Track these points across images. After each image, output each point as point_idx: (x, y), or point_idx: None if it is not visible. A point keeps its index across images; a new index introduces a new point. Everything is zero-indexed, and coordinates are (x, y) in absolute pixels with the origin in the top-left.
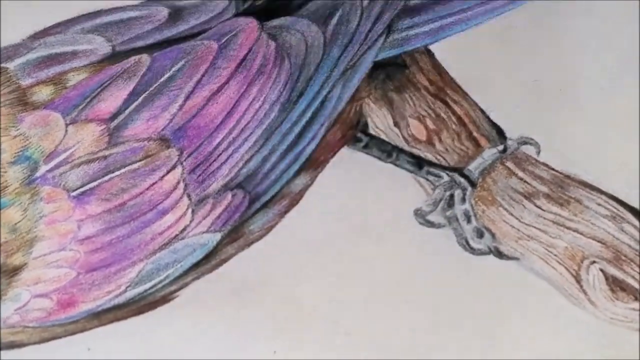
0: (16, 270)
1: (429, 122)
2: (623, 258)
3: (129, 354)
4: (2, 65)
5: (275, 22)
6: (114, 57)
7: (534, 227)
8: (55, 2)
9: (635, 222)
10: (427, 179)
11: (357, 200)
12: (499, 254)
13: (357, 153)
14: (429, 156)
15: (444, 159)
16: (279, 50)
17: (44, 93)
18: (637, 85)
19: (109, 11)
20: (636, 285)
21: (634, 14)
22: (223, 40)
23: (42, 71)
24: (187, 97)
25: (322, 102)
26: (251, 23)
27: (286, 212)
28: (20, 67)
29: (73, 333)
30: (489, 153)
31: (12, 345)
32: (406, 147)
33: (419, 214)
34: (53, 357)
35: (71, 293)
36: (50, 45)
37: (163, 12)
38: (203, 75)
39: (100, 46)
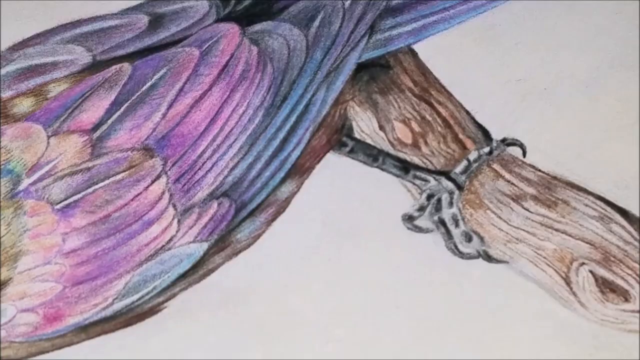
0: (1, 285)
1: (414, 125)
2: (612, 259)
3: None
4: None
5: (257, 27)
6: (95, 66)
7: (522, 230)
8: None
9: (623, 222)
10: (414, 183)
11: (344, 206)
12: (488, 258)
13: (342, 159)
14: (415, 160)
15: (431, 162)
16: (262, 55)
17: (24, 105)
18: (623, 83)
19: (89, 20)
20: (626, 286)
21: (617, 12)
22: (204, 47)
23: (22, 83)
24: (170, 105)
25: (307, 106)
26: (232, 28)
27: (273, 220)
28: None
29: (60, 347)
30: (475, 155)
31: None
32: (392, 151)
33: (407, 219)
34: None
35: (57, 307)
36: (30, 57)
37: (143, 20)
38: (185, 83)
39: (81, 56)
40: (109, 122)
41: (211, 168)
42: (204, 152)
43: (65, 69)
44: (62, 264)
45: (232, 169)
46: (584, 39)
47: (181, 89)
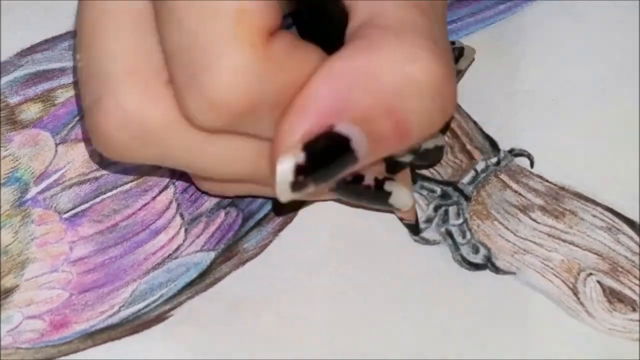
0: (8, 292)
1: None
2: (620, 269)
3: None
4: None
5: None
6: None
7: (530, 241)
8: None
9: (631, 233)
10: (421, 194)
11: (351, 216)
12: (495, 269)
13: None
14: (423, 170)
15: (438, 172)
16: None
17: (32, 111)
18: (631, 94)
19: None
20: (633, 296)
21: (627, 22)
22: None
23: (30, 88)
24: None
25: None
26: None
27: (280, 229)
28: (7, 84)
29: (66, 354)
30: (483, 166)
31: None
32: None
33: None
34: None
35: (64, 314)
36: (38, 62)
37: None
38: None
39: None
40: None
41: None
42: None
43: (73, 75)
44: (69, 271)
45: None
46: (592, 50)
47: None
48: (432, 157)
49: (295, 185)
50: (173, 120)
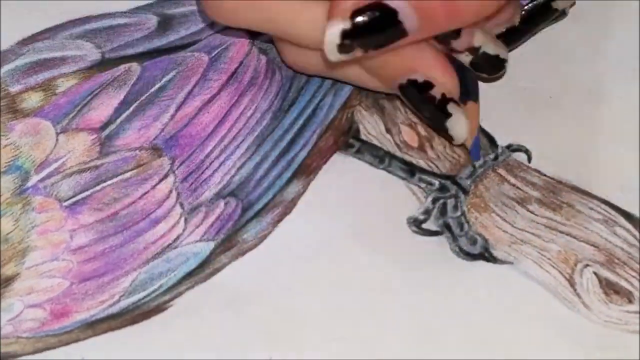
0: (9, 280)
1: (420, 129)
2: (616, 261)
3: None
4: None
5: (266, 36)
6: (103, 64)
7: (527, 232)
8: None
9: (628, 225)
10: (420, 186)
11: (350, 207)
12: (493, 259)
13: (349, 161)
14: (421, 163)
15: (436, 166)
16: (270, 64)
17: (33, 100)
18: (629, 89)
19: (98, 17)
20: (630, 287)
21: (625, 19)
22: (214, 53)
23: (31, 77)
24: (179, 107)
25: (314, 110)
26: (242, 36)
27: (279, 220)
28: (8, 73)
29: (67, 343)
30: (481, 161)
31: (6, 357)
32: (398, 154)
33: (412, 222)
34: None
35: (64, 303)
36: (39, 51)
37: (152, 21)
38: (194, 87)
39: (90, 52)
40: (118, 121)
41: (218, 167)
42: (211, 151)
43: (73, 65)
44: (69, 260)
45: (239, 168)
46: (590, 45)
47: (190, 92)
48: (491, 65)
49: (342, 48)
50: None
